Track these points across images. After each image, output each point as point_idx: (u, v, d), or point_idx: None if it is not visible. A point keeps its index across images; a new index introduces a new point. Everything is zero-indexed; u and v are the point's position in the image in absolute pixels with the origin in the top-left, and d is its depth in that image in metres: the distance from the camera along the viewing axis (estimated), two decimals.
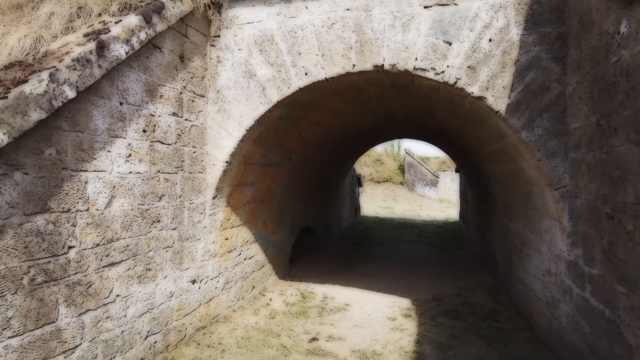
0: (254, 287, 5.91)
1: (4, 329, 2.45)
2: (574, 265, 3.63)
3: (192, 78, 4.35)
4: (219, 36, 4.64)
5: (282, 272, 7.06)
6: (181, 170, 4.17)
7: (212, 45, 4.65)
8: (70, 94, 2.76)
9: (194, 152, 4.39)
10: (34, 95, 2.51)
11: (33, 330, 2.64)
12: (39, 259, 2.68)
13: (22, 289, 2.57)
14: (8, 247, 2.48)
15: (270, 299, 5.90)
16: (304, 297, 6.08)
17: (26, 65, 2.70)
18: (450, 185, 26.39)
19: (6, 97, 2.36)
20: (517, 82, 3.95)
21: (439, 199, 24.53)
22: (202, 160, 4.55)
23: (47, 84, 2.59)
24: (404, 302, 5.97)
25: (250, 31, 4.56)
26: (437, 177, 25.24)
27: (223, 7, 4.56)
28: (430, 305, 5.82)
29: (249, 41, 4.55)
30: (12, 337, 2.50)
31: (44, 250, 2.72)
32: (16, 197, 2.52)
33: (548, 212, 4.21)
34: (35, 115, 2.51)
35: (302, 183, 7.94)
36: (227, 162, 4.64)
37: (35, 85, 2.52)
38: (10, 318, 2.49)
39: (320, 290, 6.46)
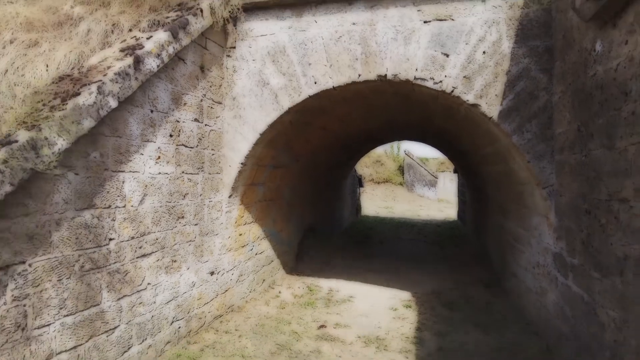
0: (264, 280, 6.29)
1: (61, 308, 2.83)
2: (559, 256, 4.02)
3: (210, 86, 4.73)
4: (234, 47, 5.03)
5: (289, 268, 7.44)
6: (202, 171, 4.55)
7: (228, 56, 5.04)
8: (113, 104, 3.15)
9: (213, 154, 4.78)
10: (86, 106, 2.89)
11: (82, 310, 3.02)
12: (86, 248, 3.06)
13: (74, 274, 2.95)
14: (64, 238, 2.86)
15: (280, 292, 6.29)
16: (310, 290, 6.46)
17: (76, 79, 3.08)
18: (449, 185, 26.77)
19: (65, 109, 2.74)
20: (509, 91, 4.34)
21: (437, 199, 24.93)
22: (220, 162, 4.94)
23: (96, 96, 2.98)
24: (405, 295, 6.35)
25: (263, 43, 4.94)
26: (436, 178, 25.64)
27: (239, 21, 4.95)
28: (430, 298, 6.20)
29: (263, 52, 4.94)
30: (67, 315, 2.88)
31: (90, 241, 3.10)
32: (69, 194, 2.90)
33: (537, 209, 4.60)
34: (87, 123, 2.90)
35: (308, 184, 8.33)
36: (242, 163, 5.03)
37: (87, 97, 2.91)
38: (65, 299, 2.87)
39: (326, 284, 6.84)
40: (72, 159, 2.91)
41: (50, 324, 2.75)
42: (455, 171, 16.37)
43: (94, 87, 2.98)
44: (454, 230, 13.56)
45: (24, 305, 2.57)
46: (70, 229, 2.92)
